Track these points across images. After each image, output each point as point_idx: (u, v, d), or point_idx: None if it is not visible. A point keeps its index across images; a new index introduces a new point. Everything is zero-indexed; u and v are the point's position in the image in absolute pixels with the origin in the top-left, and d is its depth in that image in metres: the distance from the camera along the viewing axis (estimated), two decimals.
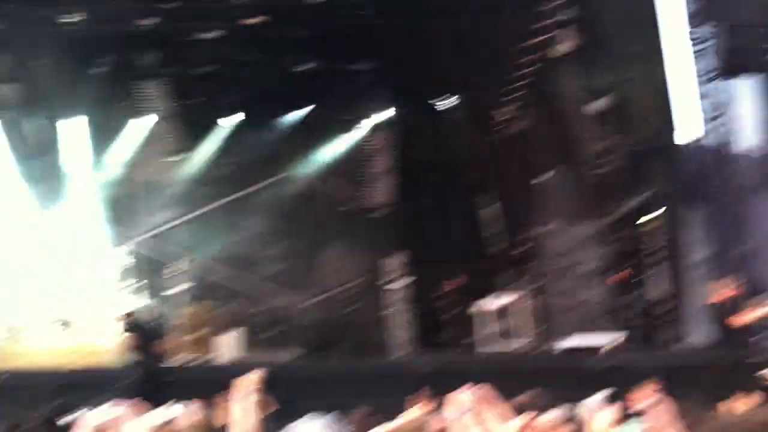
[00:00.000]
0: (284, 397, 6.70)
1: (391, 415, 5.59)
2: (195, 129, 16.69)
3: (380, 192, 16.08)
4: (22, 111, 15.65)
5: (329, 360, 12.94)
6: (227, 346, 12.53)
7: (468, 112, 16.09)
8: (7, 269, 14.24)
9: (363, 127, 16.33)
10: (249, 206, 16.96)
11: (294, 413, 6.19)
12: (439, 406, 5.82)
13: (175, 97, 15.95)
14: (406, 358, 11.64)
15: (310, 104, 16.75)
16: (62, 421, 4.95)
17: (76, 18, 14.52)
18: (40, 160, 16.50)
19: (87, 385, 10.06)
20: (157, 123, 15.98)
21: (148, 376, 9.30)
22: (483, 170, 15.96)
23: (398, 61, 15.58)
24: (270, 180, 17.05)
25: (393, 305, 13.73)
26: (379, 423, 5.17)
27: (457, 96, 16.16)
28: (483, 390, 4.15)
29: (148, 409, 5.07)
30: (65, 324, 13.20)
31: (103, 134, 16.80)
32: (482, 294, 14.20)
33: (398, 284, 13.76)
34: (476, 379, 4.40)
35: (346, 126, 16.74)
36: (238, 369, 5.47)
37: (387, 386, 9.84)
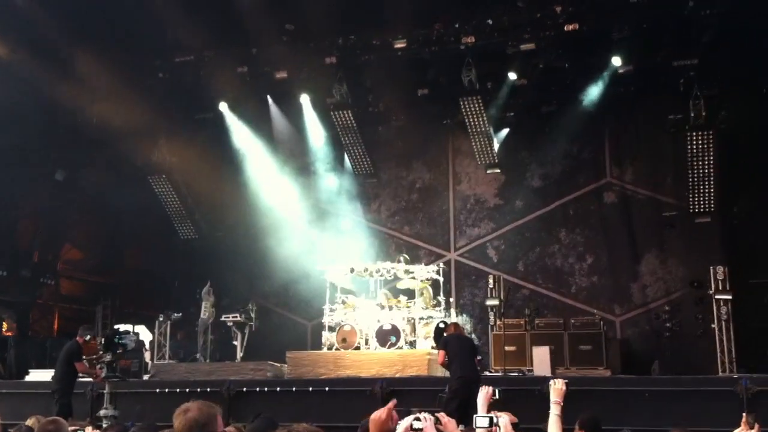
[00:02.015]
0: (596, 412, 6.76)
1: None
2: (514, 141, 17.08)
3: (704, 197, 15.18)
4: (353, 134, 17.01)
5: (645, 376, 12.44)
6: (540, 359, 12.59)
7: None
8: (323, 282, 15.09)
9: (684, 129, 15.47)
10: (567, 216, 16.97)
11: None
12: None
13: (493, 110, 16.43)
14: (729, 378, 10.81)
15: (631, 105, 16.42)
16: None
17: (400, 44, 15.61)
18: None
19: (412, 392, 10.78)
20: (476, 137, 16.50)
21: (461, 386, 9.61)
22: None
23: (724, 58, 14.66)
24: (589, 188, 16.93)
25: (717, 319, 12.90)
26: None
27: None
28: None
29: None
30: (391, 334, 13.86)
31: (421, 150, 17.91)
32: None
33: (723, 296, 12.87)
34: None
35: (665, 127, 16.07)
36: (548, 382, 5.61)
37: (707, 406, 9.35)
